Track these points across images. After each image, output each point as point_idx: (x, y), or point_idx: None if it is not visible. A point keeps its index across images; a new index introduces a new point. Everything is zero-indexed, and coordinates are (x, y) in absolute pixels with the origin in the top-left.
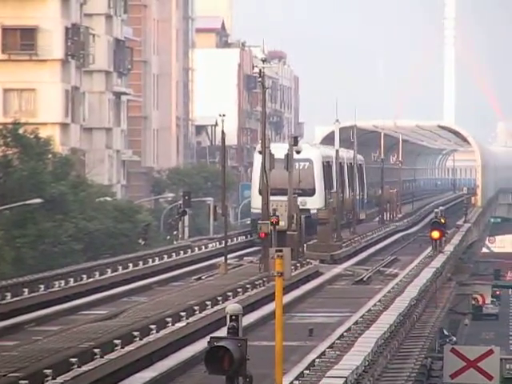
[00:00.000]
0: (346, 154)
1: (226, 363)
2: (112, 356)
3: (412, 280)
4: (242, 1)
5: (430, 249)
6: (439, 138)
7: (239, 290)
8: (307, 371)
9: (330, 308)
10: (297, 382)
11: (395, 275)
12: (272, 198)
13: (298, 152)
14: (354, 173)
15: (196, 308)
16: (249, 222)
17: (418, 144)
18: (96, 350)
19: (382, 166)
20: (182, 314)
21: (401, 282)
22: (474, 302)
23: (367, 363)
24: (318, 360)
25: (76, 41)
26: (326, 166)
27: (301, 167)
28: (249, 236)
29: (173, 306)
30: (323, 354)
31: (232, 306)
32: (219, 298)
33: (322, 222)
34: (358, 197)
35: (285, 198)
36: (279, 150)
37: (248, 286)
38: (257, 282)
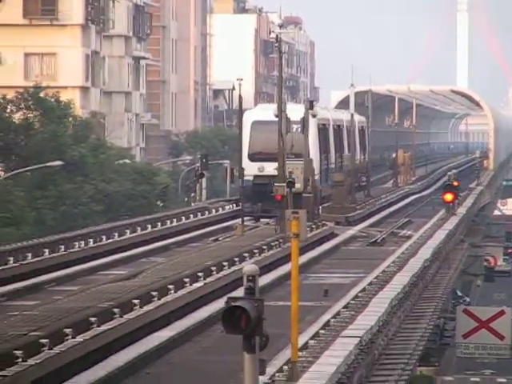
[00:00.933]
0: (346, 117)
1: (242, 323)
2: (131, 315)
3: (425, 242)
4: None
5: (443, 211)
6: (452, 102)
7: (256, 251)
8: (322, 331)
9: (344, 269)
10: (312, 341)
11: (409, 237)
12: (262, 164)
13: (314, 116)
14: (355, 136)
15: (213, 268)
16: None
17: (431, 108)
18: (115, 310)
19: (396, 130)
20: (200, 274)
21: (414, 243)
22: (486, 264)
23: (381, 323)
24: (332, 320)
25: (96, 6)
26: (323, 129)
27: (293, 130)
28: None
29: (190, 267)
30: (338, 314)
31: (249, 267)
32: (236, 259)
33: (337, 185)
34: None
35: (275, 163)
36: (272, 111)
37: (264, 247)
38: (273, 244)
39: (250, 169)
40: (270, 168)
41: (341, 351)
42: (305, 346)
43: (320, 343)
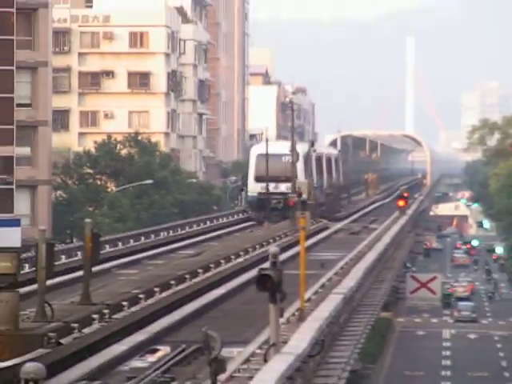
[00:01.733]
0: (326, 150)
1: (269, 284)
2: (197, 280)
3: (386, 232)
4: (279, 55)
5: (397, 212)
6: (403, 142)
7: (277, 238)
8: (320, 290)
9: (334, 250)
10: (313, 296)
11: (375, 229)
12: (263, 185)
13: (314, 151)
14: (331, 164)
15: (250, 249)
16: None
17: (390, 146)
18: (186, 276)
19: (367, 160)
20: (241, 253)
21: (379, 233)
22: (424, 246)
23: (358, 285)
24: (326, 283)
25: (174, 80)
26: (318, 159)
27: (286, 160)
28: (245, 214)
29: (235, 248)
30: (330, 279)
31: (273, 248)
32: (264, 243)
33: (328, 195)
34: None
35: (274, 183)
36: (273, 147)
37: (283, 235)
38: (288, 233)
39: (256, 187)
40: (270, 187)
41: (332, 303)
42: (308, 299)
43: (318, 297)
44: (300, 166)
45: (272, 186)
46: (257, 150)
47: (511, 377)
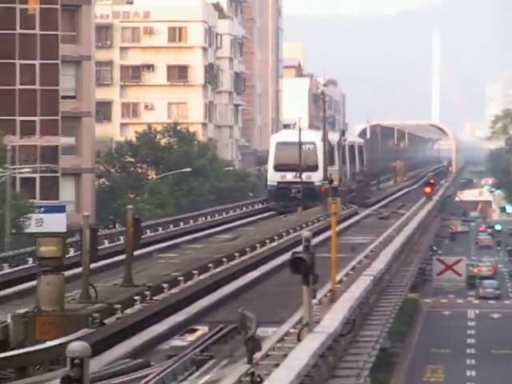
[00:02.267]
0: (356, 139)
1: (302, 267)
2: (233, 263)
3: (413, 217)
4: (310, 49)
5: (424, 198)
6: (430, 131)
7: (310, 223)
8: (351, 272)
9: (364, 234)
10: (345, 278)
11: (403, 214)
12: (284, 173)
13: (345, 140)
14: (362, 152)
15: (283, 233)
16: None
17: (416, 135)
18: (223, 259)
19: (396, 149)
20: (275, 237)
21: (406, 218)
22: (450, 230)
23: (387, 267)
24: (357, 265)
25: (211, 73)
26: (350, 148)
27: (306, 148)
28: (265, 203)
29: (269, 233)
30: (360, 261)
31: (306, 233)
32: (297, 228)
33: (359, 181)
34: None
35: (293, 172)
36: (292, 136)
37: (315, 220)
38: (321, 218)
39: (275, 177)
40: (290, 176)
41: (362, 284)
42: (340, 281)
43: (349, 279)
44: (320, 153)
45: (292, 175)
46: (276, 138)
47: None
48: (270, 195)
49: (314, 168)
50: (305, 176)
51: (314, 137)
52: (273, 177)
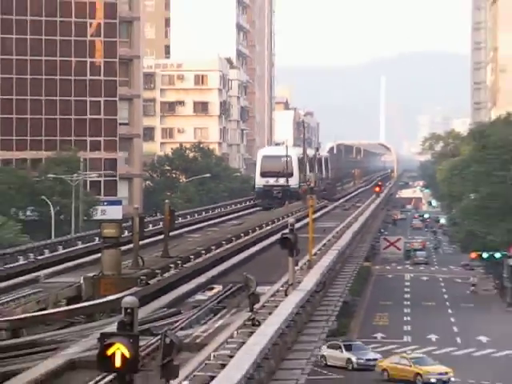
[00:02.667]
0: (325, 154)
1: (288, 244)
2: (240, 240)
3: (367, 208)
4: (295, 90)
5: (374, 195)
6: (378, 148)
7: (293, 213)
8: (323, 247)
9: (332, 220)
10: (318, 251)
11: (359, 206)
12: (268, 179)
13: (319, 155)
14: (321, 163)
15: (275, 220)
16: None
17: (369, 151)
18: (233, 238)
19: (354, 160)
20: (269, 223)
21: (362, 209)
22: (393, 217)
23: (348, 244)
24: (327, 243)
25: (224, 107)
26: (319, 160)
27: (284, 160)
28: (253, 201)
29: (265, 220)
30: (329, 240)
31: (291, 219)
32: (285, 216)
33: (328, 183)
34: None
35: (275, 178)
36: (274, 150)
37: (297, 211)
38: (301, 210)
39: (261, 181)
40: (272, 181)
41: (330, 256)
42: (315, 254)
43: (321, 252)
44: (295, 164)
45: (273, 180)
46: (262, 152)
47: (450, 305)
48: (257, 195)
49: (291, 175)
50: (283, 181)
51: (291, 151)
52: (259, 181)
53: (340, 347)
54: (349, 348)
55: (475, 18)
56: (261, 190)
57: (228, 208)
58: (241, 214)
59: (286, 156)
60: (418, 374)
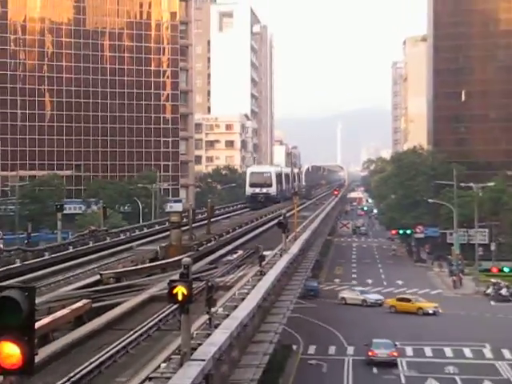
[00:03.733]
0: (291, 170)
1: (282, 226)
2: (252, 224)
3: (329, 204)
4: (286, 133)
5: (333, 197)
6: (336, 167)
7: (285, 208)
8: (302, 227)
9: (308, 211)
10: (300, 229)
11: (324, 203)
12: (254, 188)
13: (299, 170)
14: (294, 177)
15: (273, 212)
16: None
17: (331, 169)
18: (248, 222)
19: (321, 175)
20: (269, 214)
21: (326, 205)
22: (345, 210)
23: (318, 225)
24: (305, 224)
25: (243, 144)
26: (279, 175)
27: (266, 175)
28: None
29: (265, 212)
30: (307, 223)
31: (283, 211)
32: (278, 210)
33: (306, 189)
34: (295, 186)
35: (261, 188)
36: (258, 168)
37: (287, 206)
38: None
39: (249, 190)
40: (257, 190)
41: (308, 232)
42: (298, 232)
43: (302, 230)
44: (273, 178)
45: (258, 189)
46: (251, 169)
47: (379, 261)
48: (247, 200)
49: (270, 185)
50: (265, 190)
51: (270, 169)
52: (248, 190)
53: (356, 292)
54: (363, 292)
55: (394, 88)
56: (250, 196)
57: (238, 206)
58: (243, 211)
59: (292, 171)
60: (420, 307)
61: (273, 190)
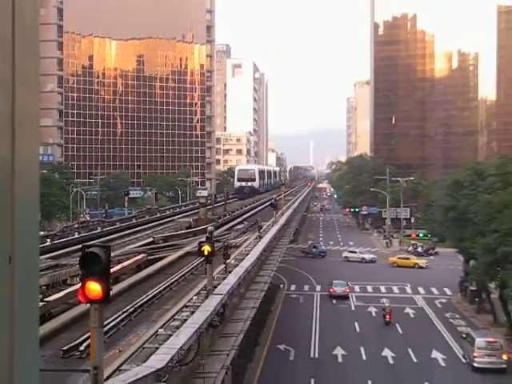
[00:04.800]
0: (274, 168)
1: (274, 205)
2: (252, 205)
3: (304, 192)
4: (278, 145)
5: (307, 187)
6: (310, 168)
7: (275, 195)
8: (286, 208)
9: (290, 196)
10: (285, 208)
11: (300, 191)
12: (241, 182)
13: (283, 168)
14: (276, 174)
15: (271, 197)
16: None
17: (306, 168)
18: (249, 204)
19: (300, 173)
20: (264, 198)
21: (302, 192)
22: (315, 195)
23: (297, 205)
24: (287, 206)
25: (248, 152)
26: (261, 171)
27: (250, 171)
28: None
29: (264, 198)
30: (289, 204)
31: (275, 196)
32: (271, 196)
33: (282, 184)
34: (279, 180)
35: (247, 182)
36: (244, 166)
37: (277, 193)
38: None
39: (237, 184)
40: (244, 183)
41: (290, 210)
42: (284, 209)
43: (286, 209)
44: (257, 174)
45: (244, 183)
46: (238, 167)
47: (337, 229)
48: (236, 191)
49: (254, 180)
50: (250, 184)
51: (254, 167)
52: (236, 184)
53: (356, 252)
54: (361, 252)
55: (348, 115)
56: (237, 188)
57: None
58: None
59: (252, 169)
60: (416, 263)
61: (256, 184)
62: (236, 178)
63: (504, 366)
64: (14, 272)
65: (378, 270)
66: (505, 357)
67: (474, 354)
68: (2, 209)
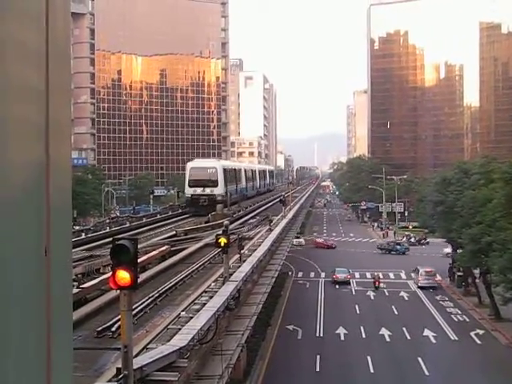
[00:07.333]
0: (260, 167)
1: (283, 202)
2: (261, 203)
3: (310, 189)
4: (285, 148)
5: (312, 185)
6: (314, 168)
7: (284, 192)
8: (294, 204)
9: (298, 193)
10: (292, 204)
11: (306, 189)
12: (196, 188)
13: (290, 170)
14: (261, 175)
15: (278, 197)
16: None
17: (311, 168)
18: (255, 203)
19: (305, 172)
20: (274, 197)
21: (308, 189)
22: (320, 192)
23: (304, 201)
24: (295, 202)
25: (259, 154)
26: (230, 171)
27: (209, 170)
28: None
29: (266, 198)
30: (297, 200)
31: (283, 193)
32: (280, 192)
33: (290, 183)
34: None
35: (202, 188)
36: (200, 163)
37: (285, 191)
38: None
39: (189, 191)
40: (199, 190)
41: (297, 205)
42: (292, 205)
43: (294, 204)
44: (220, 175)
45: (200, 190)
46: (190, 164)
47: (339, 222)
48: (186, 203)
49: (216, 185)
50: (209, 190)
51: (216, 164)
52: (188, 191)
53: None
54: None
55: (348, 121)
56: (189, 199)
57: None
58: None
59: (212, 168)
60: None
61: (219, 191)
62: (187, 181)
63: (435, 284)
64: (49, 262)
65: (376, 259)
66: (436, 279)
67: (419, 279)
68: (39, 208)
